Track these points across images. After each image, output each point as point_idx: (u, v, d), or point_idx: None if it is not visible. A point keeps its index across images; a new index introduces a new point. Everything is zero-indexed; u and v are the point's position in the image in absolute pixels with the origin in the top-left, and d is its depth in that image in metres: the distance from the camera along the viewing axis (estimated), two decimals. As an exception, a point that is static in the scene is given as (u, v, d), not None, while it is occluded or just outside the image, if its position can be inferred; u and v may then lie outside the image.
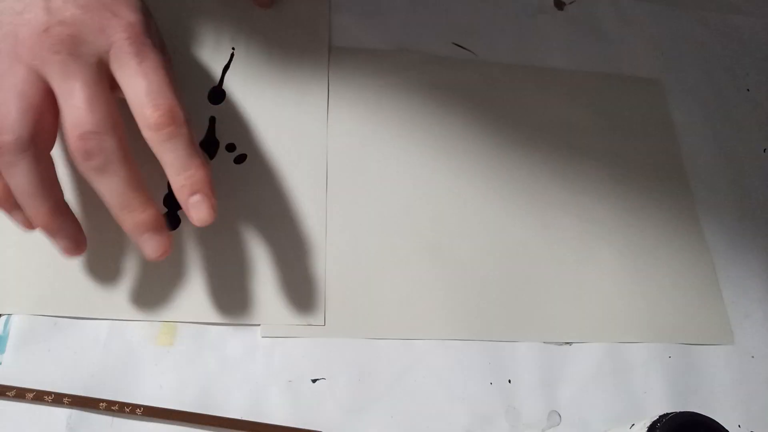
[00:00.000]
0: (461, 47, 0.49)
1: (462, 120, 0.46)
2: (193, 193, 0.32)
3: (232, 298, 0.37)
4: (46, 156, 0.32)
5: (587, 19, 0.53)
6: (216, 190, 0.33)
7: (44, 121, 0.31)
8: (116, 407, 0.33)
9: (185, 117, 0.32)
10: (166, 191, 0.39)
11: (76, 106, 0.30)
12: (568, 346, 0.40)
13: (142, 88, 0.32)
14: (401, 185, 0.43)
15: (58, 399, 0.33)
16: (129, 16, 0.33)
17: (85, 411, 0.33)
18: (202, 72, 0.43)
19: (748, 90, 0.53)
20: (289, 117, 0.43)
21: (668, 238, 0.45)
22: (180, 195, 0.32)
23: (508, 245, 0.42)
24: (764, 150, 0.51)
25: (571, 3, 0.54)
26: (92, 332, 0.35)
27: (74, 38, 0.31)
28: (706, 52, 0.55)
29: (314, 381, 0.36)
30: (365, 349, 0.38)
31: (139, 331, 0.36)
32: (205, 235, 0.38)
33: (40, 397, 0.33)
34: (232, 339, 0.37)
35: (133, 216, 0.32)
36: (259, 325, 0.37)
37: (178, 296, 0.37)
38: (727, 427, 0.29)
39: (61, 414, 0.33)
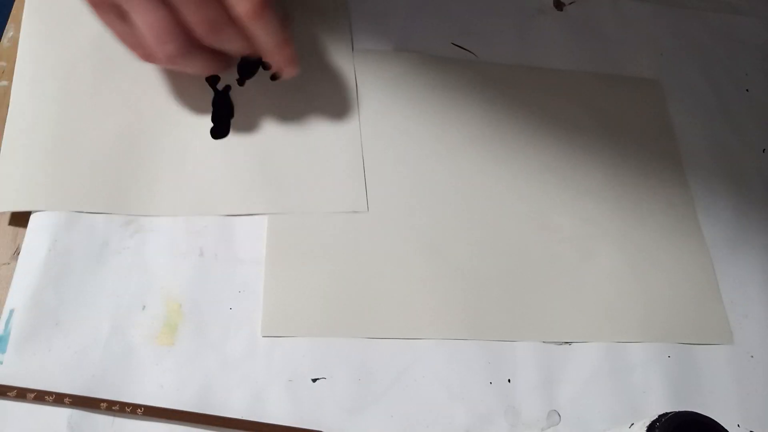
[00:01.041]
0: (461, 48, 0.49)
1: (461, 120, 0.46)
2: (286, 67, 0.40)
3: (267, 191, 0.40)
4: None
5: (587, 20, 0.53)
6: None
7: (184, 26, 0.36)
8: (117, 407, 0.33)
9: (271, 7, 0.37)
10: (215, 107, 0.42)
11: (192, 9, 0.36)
12: (567, 345, 0.40)
13: None
14: (401, 184, 0.43)
15: (59, 399, 0.33)
16: None
17: (86, 411, 0.33)
18: None
19: (747, 90, 0.54)
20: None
21: (667, 237, 0.45)
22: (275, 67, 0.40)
23: (507, 245, 0.42)
24: (763, 150, 0.51)
25: (570, 3, 0.54)
26: (93, 332, 0.36)
27: None
28: (705, 52, 0.55)
29: (314, 381, 0.37)
30: (365, 349, 0.38)
31: (139, 330, 0.36)
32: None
33: (41, 397, 0.33)
34: (232, 338, 0.37)
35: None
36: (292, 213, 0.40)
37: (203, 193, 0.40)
38: (726, 427, 0.29)
39: (62, 414, 0.33)
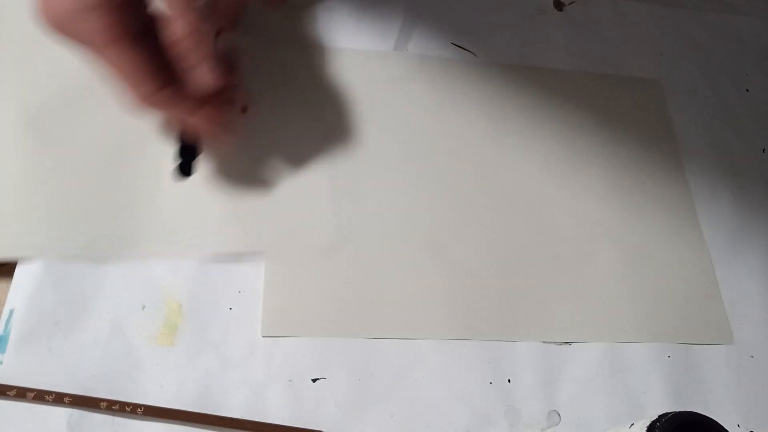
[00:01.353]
0: (461, 48, 0.49)
1: (462, 120, 0.46)
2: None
3: (239, 230, 0.39)
4: None
5: (587, 20, 0.53)
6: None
7: None
8: (117, 407, 0.33)
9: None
10: (179, 144, 0.39)
11: None
12: (567, 345, 0.40)
13: None
14: (401, 185, 0.43)
15: (58, 398, 0.33)
16: None
17: (86, 410, 0.33)
18: None
19: (747, 90, 0.54)
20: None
21: (667, 237, 0.45)
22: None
23: (507, 245, 0.42)
24: (763, 150, 0.51)
25: (570, 3, 0.54)
26: (93, 332, 0.36)
27: None
28: (705, 52, 0.55)
29: (314, 380, 0.37)
30: (365, 349, 0.38)
31: (139, 330, 0.36)
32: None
33: (40, 396, 0.33)
34: (232, 338, 0.37)
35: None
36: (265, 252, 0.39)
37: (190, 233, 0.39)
38: (726, 427, 0.29)
39: (62, 413, 0.33)
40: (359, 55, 0.47)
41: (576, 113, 0.48)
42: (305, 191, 0.41)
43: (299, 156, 0.42)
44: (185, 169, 0.38)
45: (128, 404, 0.33)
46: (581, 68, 0.51)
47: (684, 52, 0.54)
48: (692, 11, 0.57)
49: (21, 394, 0.33)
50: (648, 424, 0.29)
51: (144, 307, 0.37)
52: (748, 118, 0.52)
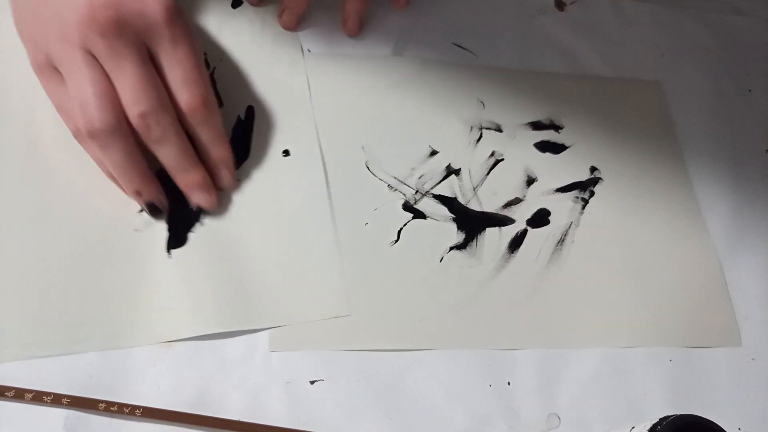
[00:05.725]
0: (461, 48, 0.49)
1: (461, 123, 0.46)
2: (221, 168, 0.39)
3: (238, 306, 0.37)
4: (131, 131, 0.36)
5: (588, 20, 0.53)
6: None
7: (117, 101, 0.35)
8: (115, 408, 0.33)
9: (215, 103, 0.38)
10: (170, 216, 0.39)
11: (131, 86, 0.35)
12: (567, 347, 0.40)
13: (178, 75, 0.36)
14: (400, 190, 0.43)
15: (56, 399, 0.33)
16: None
17: (84, 411, 0.33)
18: None
19: (749, 91, 0.53)
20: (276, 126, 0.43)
21: (672, 239, 0.44)
22: (210, 167, 0.39)
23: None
24: (766, 151, 0.51)
25: (571, 3, 0.54)
26: (91, 333, 0.35)
27: (118, 21, 0.34)
28: (706, 53, 0.54)
29: (312, 382, 0.36)
30: (363, 351, 0.38)
31: (137, 331, 0.36)
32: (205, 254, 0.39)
33: (38, 397, 0.33)
34: (230, 340, 0.37)
35: (186, 177, 0.38)
36: (268, 328, 0.37)
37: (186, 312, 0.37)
38: (727, 430, 0.29)
39: (60, 414, 0.33)
40: (359, 61, 0.46)
41: (577, 115, 0.48)
42: (303, 198, 0.41)
43: (294, 176, 0.42)
44: (177, 239, 0.38)
45: (126, 405, 0.33)
46: (582, 69, 0.51)
47: (684, 52, 0.54)
48: (693, 11, 0.56)
49: (19, 395, 0.33)
50: (649, 427, 0.29)
51: (142, 307, 0.36)
52: (750, 118, 0.52)
